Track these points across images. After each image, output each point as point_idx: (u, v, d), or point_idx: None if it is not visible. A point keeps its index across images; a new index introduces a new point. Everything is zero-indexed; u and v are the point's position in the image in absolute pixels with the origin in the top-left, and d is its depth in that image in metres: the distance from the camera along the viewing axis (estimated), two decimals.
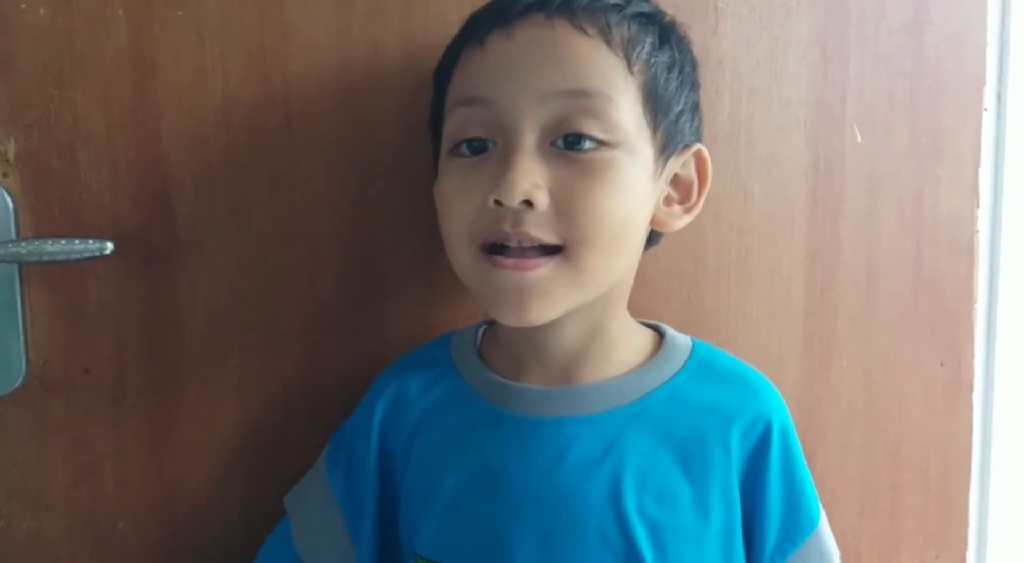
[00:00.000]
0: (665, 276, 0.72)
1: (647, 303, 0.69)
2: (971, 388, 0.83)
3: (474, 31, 0.55)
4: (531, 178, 0.51)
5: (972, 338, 0.82)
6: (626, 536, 0.52)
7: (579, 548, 0.52)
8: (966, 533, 0.84)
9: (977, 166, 0.80)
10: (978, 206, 0.81)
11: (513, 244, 0.52)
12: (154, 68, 0.62)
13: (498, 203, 0.51)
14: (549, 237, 0.51)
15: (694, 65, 0.60)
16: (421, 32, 0.64)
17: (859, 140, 0.76)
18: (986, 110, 0.81)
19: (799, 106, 0.74)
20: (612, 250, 0.53)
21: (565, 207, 0.51)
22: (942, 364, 0.81)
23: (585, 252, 0.52)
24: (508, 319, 0.53)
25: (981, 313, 0.84)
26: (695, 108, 0.59)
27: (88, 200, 0.62)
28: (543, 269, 0.52)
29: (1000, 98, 0.83)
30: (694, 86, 0.59)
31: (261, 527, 0.66)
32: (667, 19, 0.58)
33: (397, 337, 0.67)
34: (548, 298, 0.52)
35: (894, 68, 0.76)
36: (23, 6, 0.60)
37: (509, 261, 0.52)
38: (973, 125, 0.80)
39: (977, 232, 0.81)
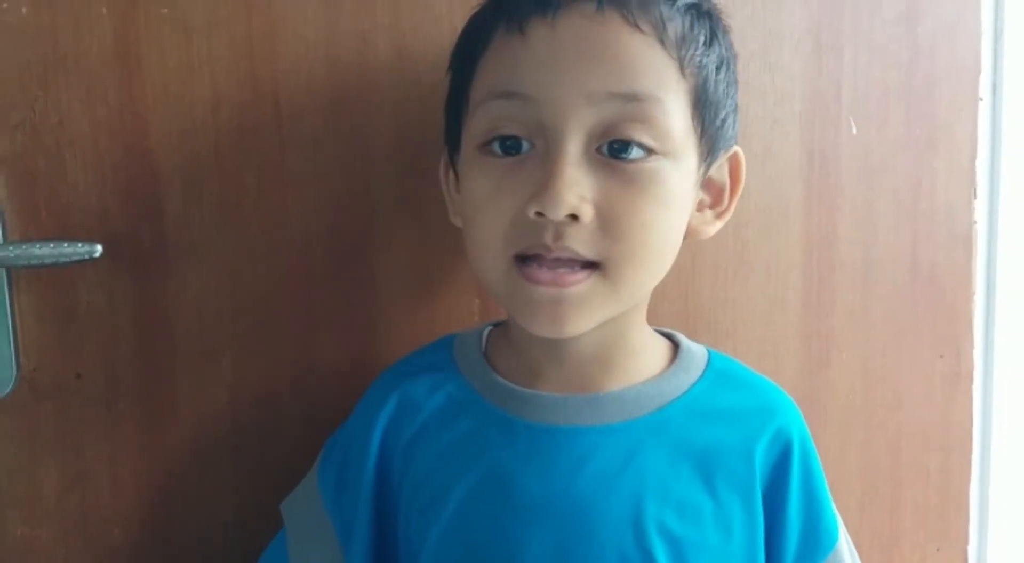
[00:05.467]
0: None
1: None
2: (971, 380, 0.82)
3: (512, 13, 0.50)
4: (578, 190, 0.47)
5: (971, 329, 0.82)
6: (645, 552, 0.50)
7: None
8: (967, 526, 0.84)
9: (973, 156, 0.80)
10: (975, 196, 0.80)
11: (551, 255, 0.49)
12: (140, 66, 0.61)
13: (539, 214, 0.48)
14: (591, 254, 0.49)
15: (735, 58, 0.56)
16: (410, 26, 0.64)
17: (854, 132, 0.75)
18: (981, 99, 0.80)
19: (794, 98, 0.73)
20: (653, 265, 0.51)
21: (610, 223, 0.48)
22: (941, 356, 0.81)
23: (626, 269, 0.50)
24: (543, 331, 0.51)
25: (979, 304, 0.83)
26: (736, 108, 0.56)
27: (75, 202, 0.61)
28: (582, 285, 0.49)
29: (995, 87, 0.83)
30: (736, 83, 0.56)
31: (255, 531, 0.65)
32: (715, 9, 0.55)
33: (390, 336, 0.67)
34: (585, 311, 0.50)
35: (889, 59, 0.76)
36: (5, 5, 0.59)
37: (546, 277, 0.49)
38: (969, 115, 0.79)
39: (974, 222, 0.81)
